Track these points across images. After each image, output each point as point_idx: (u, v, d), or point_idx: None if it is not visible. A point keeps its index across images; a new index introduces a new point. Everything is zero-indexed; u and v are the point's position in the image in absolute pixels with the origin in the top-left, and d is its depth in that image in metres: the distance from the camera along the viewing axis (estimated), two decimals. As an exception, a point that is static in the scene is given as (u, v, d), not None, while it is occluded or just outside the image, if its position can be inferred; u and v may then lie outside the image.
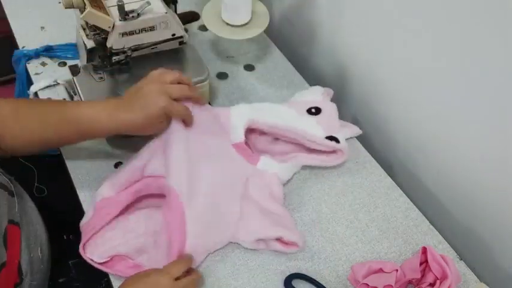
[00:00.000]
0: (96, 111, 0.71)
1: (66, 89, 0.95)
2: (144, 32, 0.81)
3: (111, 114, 0.71)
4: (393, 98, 0.92)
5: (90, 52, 0.81)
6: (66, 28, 1.04)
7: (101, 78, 0.84)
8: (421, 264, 0.73)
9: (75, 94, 0.92)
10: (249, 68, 1.04)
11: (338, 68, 1.03)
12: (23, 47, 1.01)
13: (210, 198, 0.75)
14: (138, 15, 0.78)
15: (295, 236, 0.75)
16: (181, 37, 0.86)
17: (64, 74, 0.97)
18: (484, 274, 0.77)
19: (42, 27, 1.06)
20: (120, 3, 0.76)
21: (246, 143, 0.84)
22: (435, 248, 0.78)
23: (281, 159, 0.84)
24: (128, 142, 0.88)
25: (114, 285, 0.71)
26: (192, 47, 0.90)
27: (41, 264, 0.75)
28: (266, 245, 0.76)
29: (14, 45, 1.03)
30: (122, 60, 0.84)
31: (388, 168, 0.90)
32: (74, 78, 0.83)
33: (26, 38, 1.03)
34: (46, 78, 0.96)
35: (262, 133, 0.88)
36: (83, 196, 0.80)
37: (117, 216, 0.75)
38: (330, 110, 0.88)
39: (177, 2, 0.88)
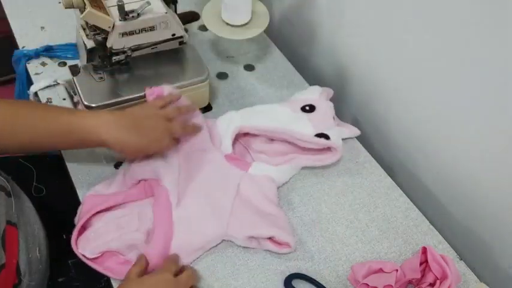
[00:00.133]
0: (96, 124, 0.70)
1: (66, 89, 0.95)
2: (144, 32, 0.81)
3: (109, 131, 0.70)
4: (393, 98, 0.92)
5: (90, 52, 0.81)
6: (66, 28, 1.04)
7: (101, 78, 0.84)
8: (421, 264, 0.73)
9: (75, 94, 0.92)
10: (249, 68, 1.04)
11: (338, 68, 1.03)
12: (23, 47, 1.01)
13: (202, 198, 0.78)
14: (138, 15, 0.78)
15: (289, 237, 0.75)
16: (181, 37, 0.86)
17: (64, 74, 0.97)
18: (484, 274, 0.77)
19: (42, 27, 1.06)
20: (120, 3, 0.76)
21: (244, 146, 0.86)
22: (435, 248, 0.78)
23: (277, 163, 0.84)
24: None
25: (113, 285, 0.71)
26: (192, 47, 0.90)
27: (40, 264, 0.75)
28: (259, 243, 0.76)
29: (14, 45, 1.03)
30: (122, 60, 0.84)
31: (388, 168, 0.90)
32: (74, 78, 0.83)
33: (26, 38, 1.03)
34: (46, 78, 0.96)
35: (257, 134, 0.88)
36: (83, 196, 0.80)
37: (110, 211, 0.76)
38: (324, 108, 0.88)
39: (177, 2, 0.88)
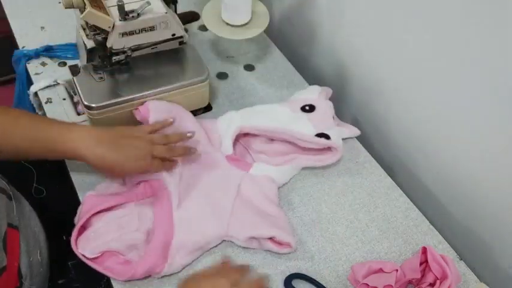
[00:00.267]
0: (77, 138, 0.70)
1: (66, 89, 0.95)
2: (144, 32, 0.81)
3: (88, 146, 0.70)
4: (393, 98, 0.92)
5: (90, 52, 0.81)
6: (66, 28, 1.04)
7: (101, 78, 0.84)
8: (421, 264, 0.73)
9: (75, 94, 0.92)
10: (249, 68, 1.04)
11: (338, 68, 1.03)
12: (23, 47, 1.01)
13: (203, 198, 0.78)
14: (138, 15, 0.78)
15: (289, 237, 0.75)
16: (181, 37, 0.86)
17: (64, 74, 0.97)
18: (484, 274, 0.77)
19: (42, 27, 1.06)
20: (120, 3, 0.76)
21: (244, 146, 0.86)
22: (435, 248, 0.78)
23: (277, 163, 0.84)
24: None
25: (113, 286, 0.71)
26: (192, 47, 0.90)
27: (41, 267, 0.75)
28: (259, 244, 0.76)
29: (14, 45, 1.03)
30: (122, 60, 0.84)
31: (388, 168, 0.90)
32: (74, 78, 0.83)
33: (26, 38, 1.03)
34: (46, 78, 0.96)
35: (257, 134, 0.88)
36: (83, 197, 0.80)
37: (110, 211, 0.76)
38: (324, 107, 0.88)
39: (177, 2, 0.88)
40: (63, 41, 1.02)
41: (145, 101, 0.83)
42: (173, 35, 0.84)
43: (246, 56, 1.06)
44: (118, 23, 0.78)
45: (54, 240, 0.79)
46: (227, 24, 0.94)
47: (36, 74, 0.97)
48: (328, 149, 0.85)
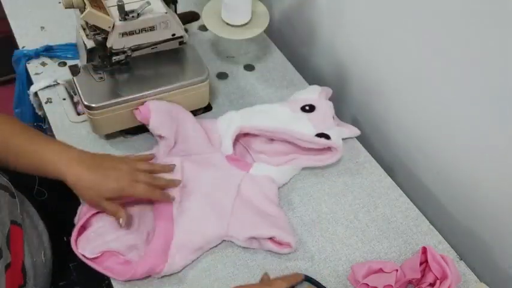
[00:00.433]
0: (60, 158, 0.70)
1: (66, 89, 0.95)
2: (144, 32, 0.81)
3: (69, 166, 0.70)
4: (393, 98, 0.92)
5: (90, 52, 0.81)
6: (66, 28, 1.04)
7: (101, 78, 0.84)
8: (421, 264, 0.73)
9: (75, 94, 0.92)
10: (249, 68, 1.04)
11: (338, 68, 1.03)
12: (23, 47, 1.01)
13: (203, 199, 0.78)
14: (138, 15, 0.78)
15: (289, 237, 0.75)
16: (181, 37, 0.86)
17: (64, 74, 0.97)
18: (484, 274, 0.77)
19: (42, 27, 1.06)
20: (120, 3, 0.76)
21: (244, 146, 0.86)
22: (435, 248, 0.78)
23: (277, 163, 0.84)
24: (128, 142, 0.89)
25: (114, 286, 0.71)
26: (192, 47, 0.90)
27: (44, 268, 0.75)
28: (259, 244, 0.76)
29: (14, 45, 1.03)
30: (122, 60, 0.84)
31: (388, 168, 0.90)
32: (74, 78, 0.83)
33: (26, 38, 1.03)
34: (46, 78, 0.96)
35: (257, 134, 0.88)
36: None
37: None
38: (324, 108, 0.88)
39: (177, 2, 0.88)
40: (63, 41, 1.02)
41: (145, 101, 0.83)
42: (173, 35, 0.84)
43: (246, 56, 1.06)
44: (118, 23, 0.78)
45: (55, 242, 0.79)
46: (227, 24, 0.94)
47: (36, 74, 0.97)
48: (328, 149, 0.85)
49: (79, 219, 0.75)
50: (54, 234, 0.79)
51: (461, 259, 0.77)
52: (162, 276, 0.72)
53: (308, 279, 0.73)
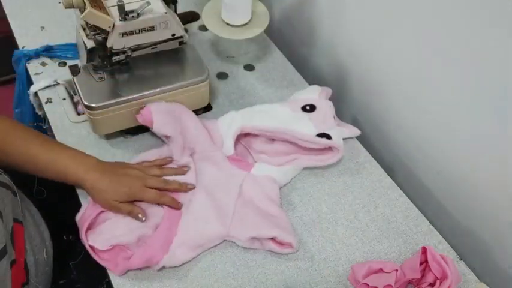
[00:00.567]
0: (79, 164, 0.76)
1: (66, 89, 0.95)
2: (144, 32, 0.81)
3: (87, 171, 0.75)
4: (393, 98, 0.92)
5: (90, 52, 0.81)
6: (66, 28, 1.04)
7: (101, 78, 0.84)
8: (421, 264, 0.73)
9: (75, 94, 0.92)
10: (249, 68, 1.04)
11: (338, 68, 1.03)
12: (23, 47, 1.01)
13: (205, 199, 0.78)
14: (138, 15, 0.78)
15: (290, 237, 0.75)
16: (181, 37, 0.86)
17: (64, 74, 0.97)
18: (484, 274, 0.77)
19: (42, 27, 1.06)
20: (120, 3, 0.76)
21: (244, 146, 0.87)
22: (435, 248, 0.78)
23: (278, 163, 0.84)
24: (128, 142, 0.89)
25: (114, 286, 0.71)
26: (192, 47, 0.90)
27: (46, 266, 0.75)
28: (261, 244, 0.76)
29: (14, 45, 1.03)
30: (122, 60, 0.84)
31: (388, 168, 0.90)
32: (74, 78, 0.83)
33: (26, 38, 1.03)
34: (46, 78, 0.96)
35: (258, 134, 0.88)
36: (83, 197, 0.80)
37: None
38: (325, 107, 0.88)
39: (177, 2, 0.88)
40: (63, 41, 1.02)
41: (145, 101, 0.83)
42: (173, 35, 0.84)
43: (246, 56, 1.06)
44: (118, 23, 0.78)
45: (54, 241, 0.80)
46: (227, 24, 0.94)
47: (36, 74, 0.97)
48: (329, 149, 0.85)
49: (85, 216, 0.75)
50: (53, 233, 0.80)
51: (461, 259, 0.77)
52: (161, 269, 0.72)
53: None
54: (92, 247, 0.72)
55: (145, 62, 0.86)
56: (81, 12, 0.75)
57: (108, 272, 0.73)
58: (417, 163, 0.91)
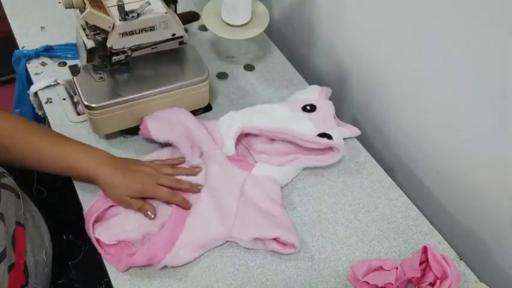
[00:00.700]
0: (90, 158, 0.76)
1: (66, 89, 0.95)
2: (144, 32, 0.81)
3: (99, 165, 0.75)
4: (393, 98, 0.92)
5: (90, 52, 0.81)
6: (66, 28, 1.04)
7: (101, 78, 0.84)
8: (421, 263, 0.73)
9: (75, 94, 0.92)
10: (249, 68, 1.04)
11: (338, 68, 1.03)
12: (23, 47, 1.01)
13: (208, 199, 0.78)
14: (138, 15, 0.78)
15: (292, 237, 0.75)
16: (181, 37, 0.86)
17: (64, 74, 0.97)
18: (484, 274, 0.77)
19: (42, 27, 1.06)
20: (120, 3, 0.76)
21: (245, 146, 0.87)
22: (435, 248, 0.78)
23: (279, 163, 0.84)
24: (128, 142, 0.89)
25: (114, 285, 0.71)
26: (192, 47, 0.90)
27: (45, 267, 0.75)
28: (264, 244, 0.76)
29: (14, 45, 1.03)
30: (122, 60, 0.84)
31: (388, 168, 0.90)
32: (74, 78, 0.83)
33: (26, 38, 1.03)
34: (46, 78, 0.96)
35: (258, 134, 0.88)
36: (83, 196, 0.80)
37: None
38: (325, 107, 0.88)
39: (177, 2, 0.88)
40: (63, 41, 1.02)
41: (145, 101, 0.83)
42: (173, 35, 0.84)
43: (246, 56, 1.06)
44: (118, 23, 0.78)
45: (54, 240, 0.80)
46: (227, 24, 0.94)
47: (36, 74, 0.98)
48: (330, 149, 0.85)
49: (93, 209, 0.75)
50: (53, 233, 0.80)
51: (461, 259, 0.77)
52: (163, 268, 0.72)
53: None
54: (97, 240, 0.73)
55: (145, 62, 0.86)
56: (81, 12, 0.75)
57: (108, 271, 0.73)
58: (417, 163, 0.91)
